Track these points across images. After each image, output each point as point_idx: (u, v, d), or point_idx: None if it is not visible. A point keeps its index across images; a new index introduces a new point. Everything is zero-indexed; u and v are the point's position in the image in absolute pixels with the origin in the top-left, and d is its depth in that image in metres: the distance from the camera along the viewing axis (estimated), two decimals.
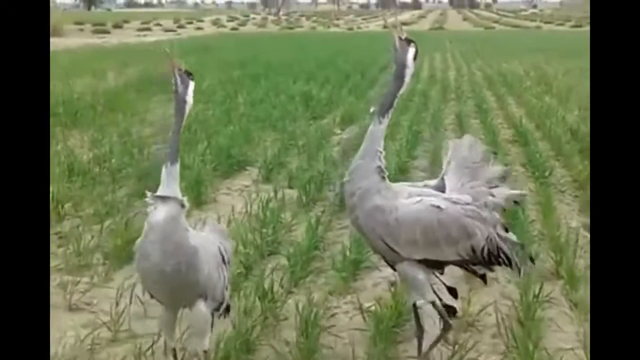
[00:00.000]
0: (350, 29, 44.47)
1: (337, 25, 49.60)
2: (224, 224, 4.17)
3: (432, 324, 2.62)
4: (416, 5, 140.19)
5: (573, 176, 5.17)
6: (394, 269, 2.53)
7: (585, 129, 6.51)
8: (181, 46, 18.53)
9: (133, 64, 13.85)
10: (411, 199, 2.37)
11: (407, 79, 2.43)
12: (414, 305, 2.46)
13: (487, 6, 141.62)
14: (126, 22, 43.16)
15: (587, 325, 2.78)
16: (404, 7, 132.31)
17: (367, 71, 13.20)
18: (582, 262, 3.49)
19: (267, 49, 19.64)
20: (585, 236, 3.74)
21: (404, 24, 51.92)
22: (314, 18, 62.67)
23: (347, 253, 3.60)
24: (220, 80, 10.79)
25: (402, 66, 2.41)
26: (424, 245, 2.34)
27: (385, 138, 2.45)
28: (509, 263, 2.44)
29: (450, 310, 2.55)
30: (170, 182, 2.11)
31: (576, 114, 7.65)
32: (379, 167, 2.37)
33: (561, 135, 6.34)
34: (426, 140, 6.78)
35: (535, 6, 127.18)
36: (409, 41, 2.42)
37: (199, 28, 41.73)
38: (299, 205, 4.73)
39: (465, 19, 61.14)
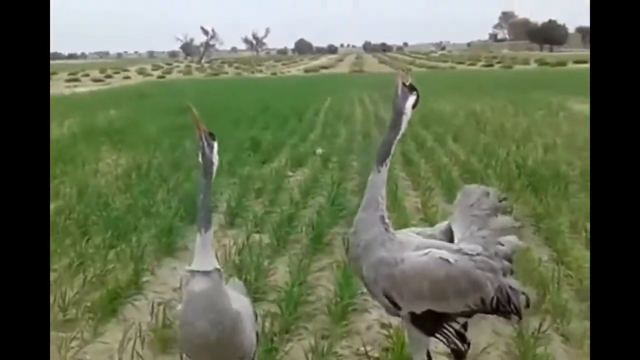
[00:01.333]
0: (274, 74, 45.40)
1: (261, 71, 50.48)
2: None
3: None
4: (331, 50, 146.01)
5: (529, 210, 5.42)
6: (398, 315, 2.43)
7: (531, 164, 6.99)
8: (115, 95, 18.11)
9: (71, 115, 13.65)
10: (418, 251, 2.27)
11: (404, 126, 2.37)
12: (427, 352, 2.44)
13: (399, 49, 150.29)
14: (54, 73, 41.87)
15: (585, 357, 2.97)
16: (320, 51, 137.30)
17: (303, 114, 13.49)
18: (565, 295, 3.66)
19: (200, 95, 19.61)
20: (555, 269, 3.94)
21: (323, 67, 54.14)
22: (236, 65, 63.57)
23: (337, 297, 3.60)
24: (164, 127, 10.62)
25: (400, 113, 2.36)
26: (431, 298, 2.26)
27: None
28: (516, 311, 2.36)
29: (457, 355, 2.44)
30: (206, 251, 2.07)
31: (514, 150, 8.16)
32: (382, 217, 2.30)
33: (508, 171, 6.68)
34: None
35: (443, 48, 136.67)
36: (411, 88, 2.37)
37: (126, 77, 41.77)
38: (272, 250, 4.69)
39: (381, 62, 64.28)
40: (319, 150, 8.71)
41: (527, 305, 2.45)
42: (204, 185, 2.17)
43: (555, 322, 3.38)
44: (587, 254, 4.36)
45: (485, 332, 3.22)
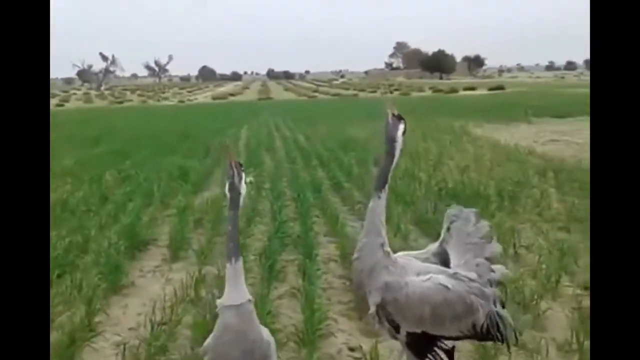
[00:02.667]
0: (182, 101, 44.45)
1: (167, 98, 49.16)
2: (150, 309, 3.98)
3: None
4: (235, 77, 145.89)
5: None
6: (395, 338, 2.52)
7: (451, 185, 7.49)
8: None
9: None
10: (421, 276, 2.37)
11: (397, 153, 2.50)
12: None
13: (302, 77, 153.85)
14: None
15: None
16: (224, 78, 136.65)
17: (223, 143, 13.44)
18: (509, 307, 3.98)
19: (113, 123, 18.69)
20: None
21: (230, 94, 54.02)
22: (139, 92, 61.37)
23: (306, 323, 3.66)
24: (81, 158, 10.02)
25: (392, 141, 2.49)
26: (430, 321, 2.35)
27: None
28: (501, 339, 2.47)
29: None
30: (238, 282, 2.07)
31: (432, 172, 8.75)
32: (383, 243, 2.39)
33: (432, 193, 7.15)
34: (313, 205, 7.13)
35: (343, 76, 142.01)
36: (399, 118, 2.52)
37: None
38: (221, 281, 4.65)
39: (286, 89, 65.39)
40: (250, 178, 8.73)
41: (516, 337, 2.56)
42: (231, 215, 2.16)
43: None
44: (519, 269, 4.82)
45: None
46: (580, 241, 5.42)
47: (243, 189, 2.20)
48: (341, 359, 3.47)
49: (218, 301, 2.11)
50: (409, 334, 2.40)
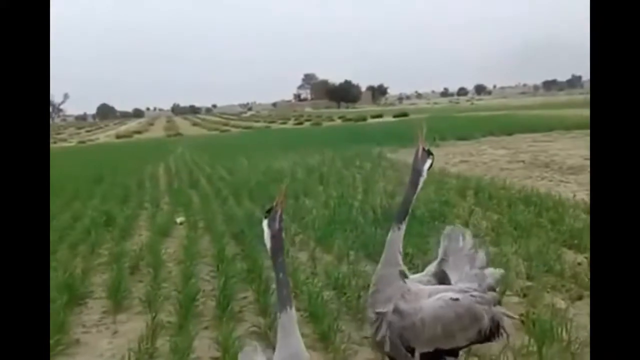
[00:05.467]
0: (82, 142, 42.02)
1: (65, 140, 46.27)
2: None
3: None
4: (138, 114, 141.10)
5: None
6: None
7: (391, 211, 7.73)
8: None
9: None
10: (432, 297, 2.50)
11: (420, 185, 2.64)
12: None
13: (208, 111, 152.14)
14: None
15: None
16: (125, 116, 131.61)
17: (142, 183, 12.90)
18: None
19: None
20: None
21: (137, 132, 51.96)
22: None
23: None
24: None
25: (418, 174, 2.62)
26: (443, 338, 2.48)
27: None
28: (504, 332, 2.67)
29: None
30: (291, 333, 2.02)
31: (362, 199, 9.00)
32: (401, 271, 2.51)
33: (368, 218, 7.38)
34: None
35: (250, 108, 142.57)
36: (429, 153, 2.66)
37: None
38: (179, 328, 4.43)
39: (194, 124, 64.15)
40: (180, 219, 8.45)
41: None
42: (280, 262, 2.11)
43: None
44: None
45: None
46: (512, 252, 5.84)
47: (282, 233, 2.16)
48: None
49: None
50: (422, 355, 2.48)
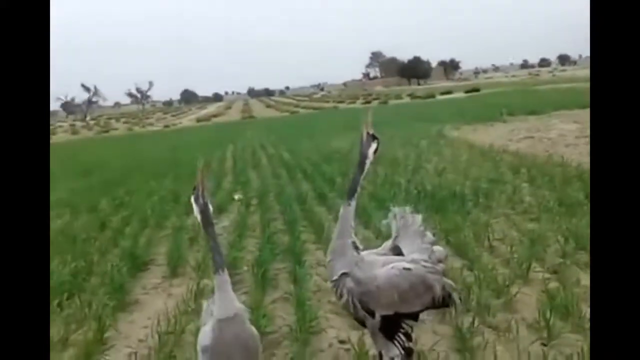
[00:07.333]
0: (167, 126, 44.75)
1: (152, 124, 49.42)
2: (155, 322, 4.32)
3: None
4: (217, 98, 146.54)
5: (435, 228, 6.17)
6: (363, 325, 2.91)
7: (429, 188, 7.89)
8: None
9: None
10: (385, 267, 2.76)
11: (367, 167, 2.86)
12: (379, 353, 2.94)
13: (282, 93, 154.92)
14: None
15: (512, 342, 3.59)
16: (206, 100, 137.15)
17: (211, 164, 13.82)
18: (485, 293, 4.32)
19: (100, 153, 18.98)
20: (471, 274, 4.66)
21: (214, 116, 54.34)
22: (124, 120, 61.59)
23: (298, 322, 4.03)
24: (75, 189, 10.35)
25: (365, 157, 2.84)
26: (399, 302, 2.74)
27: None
28: (452, 304, 2.96)
29: (408, 352, 2.88)
30: (227, 294, 2.34)
31: (411, 177, 9.16)
32: (354, 242, 2.76)
33: (411, 196, 7.58)
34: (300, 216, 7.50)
35: (322, 89, 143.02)
36: (373, 137, 2.86)
37: None
38: None
39: (268, 107, 65.85)
40: (237, 196, 9.11)
41: (461, 300, 3.06)
42: (210, 233, 2.43)
43: (482, 317, 4.01)
44: (493, 259, 5.24)
45: (427, 333, 3.82)
46: (549, 230, 5.87)
47: (210, 205, 2.42)
48: (332, 351, 3.83)
49: (212, 311, 2.39)
50: (383, 317, 2.78)
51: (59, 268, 5.33)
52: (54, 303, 4.68)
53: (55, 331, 4.12)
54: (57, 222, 7.78)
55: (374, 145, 2.86)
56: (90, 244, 6.57)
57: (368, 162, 2.85)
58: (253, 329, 2.50)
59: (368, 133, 2.87)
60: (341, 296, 2.77)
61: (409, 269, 2.76)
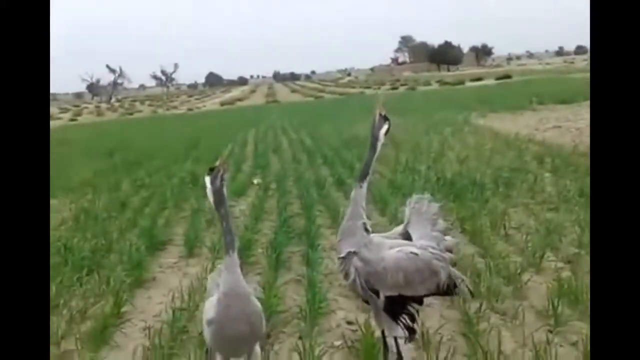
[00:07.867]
0: (190, 109, 45.23)
1: (175, 107, 50.04)
2: (170, 299, 4.45)
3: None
4: (242, 82, 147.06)
5: (453, 215, 6.15)
6: (367, 303, 2.97)
7: (449, 176, 7.84)
8: None
9: None
10: (393, 249, 2.81)
11: (379, 148, 2.86)
12: (382, 332, 3.02)
13: (307, 77, 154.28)
14: None
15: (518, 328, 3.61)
16: (231, 83, 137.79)
17: (232, 148, 13.97)
18: (495, 280, 4.31)
19: (124, 135, 19.39)
20: (483, 261, 4.66)
21: (238, 99, 54.63)
22: (148, 102, 62.52)
23: (307, 303, 4.10)
24: (98, 170, 10.64)
25: (376, 138, 2.84)
26: (404, 285, 2.79)
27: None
28: (457, 293, 3.00)
29: (411, 331, 2.94)
30: (235, 272, 2.44)
31: (432, 164, 9.11)
32: (364, 224, 2.80)
33: (430, 184, 7.55)
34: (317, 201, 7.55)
35: (349, 74, 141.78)
36: (385, 118, 2.87)
37: None
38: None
39: (293, 91, 65.68)
40: (257, 180, 9.21)
41: (471, 293, 3.09)
42: (222, 215, 2.49)
43: (490, 303, 4.04)
44: (508, 247, 5.21)
45: (435, 317, 3.88)
46: (567, 220, 5.79)
47: (225, 191, 2.47)
48: (340, 331, 3.90)
49: (220, 287, 2.49)
50: (387, 298, 2.83)
51: (80, 244, 5.53)
52: (74, 277, 4.87)
53: (74, 304, 4.29)
54: (79, 202, 8.03)
55: (385, 127, 2.86)
56: (110, 222, 6.77)
57: (379, 143, 2.85)
58: (258, 305, 2.58)
59: (380, 114, 2.88)
60: (347, 274, 2.82)
61: (416, 254, 2.80)
